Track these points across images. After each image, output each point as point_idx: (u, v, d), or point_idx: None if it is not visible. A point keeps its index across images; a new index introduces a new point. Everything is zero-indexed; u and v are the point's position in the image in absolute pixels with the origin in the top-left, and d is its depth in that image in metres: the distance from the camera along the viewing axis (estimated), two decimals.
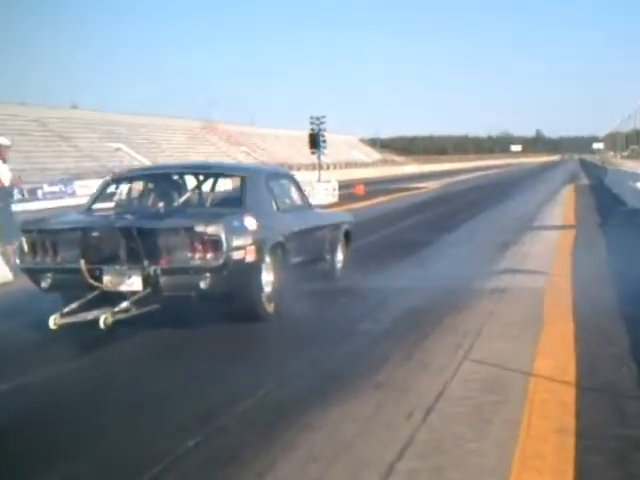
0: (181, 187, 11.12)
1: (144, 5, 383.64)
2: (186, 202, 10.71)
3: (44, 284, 9.46)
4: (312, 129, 48.13)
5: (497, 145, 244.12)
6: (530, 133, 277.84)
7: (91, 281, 9.18)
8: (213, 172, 11.99)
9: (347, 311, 10.81)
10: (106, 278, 9.21)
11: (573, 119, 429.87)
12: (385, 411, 6.52)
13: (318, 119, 47.84)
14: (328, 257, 12.77)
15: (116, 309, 8.93)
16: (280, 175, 12.59)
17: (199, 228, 9.03)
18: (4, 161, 15.12)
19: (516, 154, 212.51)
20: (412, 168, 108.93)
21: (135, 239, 9.10)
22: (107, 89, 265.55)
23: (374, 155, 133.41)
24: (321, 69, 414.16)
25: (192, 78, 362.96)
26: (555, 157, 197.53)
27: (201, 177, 11.44)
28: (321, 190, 36.47)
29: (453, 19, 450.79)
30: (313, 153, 49.73)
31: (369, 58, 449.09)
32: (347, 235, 13.68)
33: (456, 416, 6.33)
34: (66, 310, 9.14)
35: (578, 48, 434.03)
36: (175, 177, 11.32)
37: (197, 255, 9.05)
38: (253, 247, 9.53)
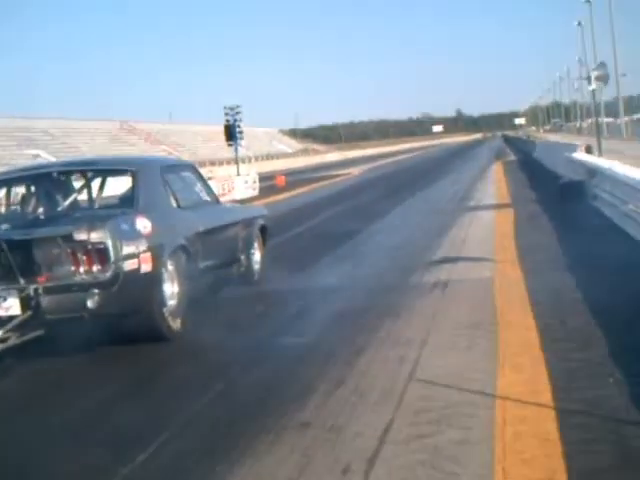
0: (65, 188, 9.58)
1: (55, 5, 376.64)
2: (70, 205, 9.22)
3: None
4: (227, 120, 46.08)
5: (418, 127, 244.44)
6: (451, 113, 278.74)
7: None
8: (99, 169, 10.20)
9: (265, 323, 9.25)
10: None
11: (493, 96, 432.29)
12: (313, 465, 4.95)
13: (233, 109, 45.78)
14: (243, 257, 11.13)
15: None
16: (179, 167, 10.89)
17: (79, 235, 7.63)
18: None
19: (438, 135, 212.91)
20: (334, 156, 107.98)
21: (6, 253, 7.71)
22: (21, 95, 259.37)
23: (295, 145, 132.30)
24: (237, 62, 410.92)
25: (108, 78, 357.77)
26: (477, 135, 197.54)
27: (88, 175, 9.86)
28: (240, 184, 34.96)
29: (369, 2, 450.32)
30: (230, 145, 47.67)
31: (284, 49, 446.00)
32: (263, 231, 12.15)
33: (409, 468, 4.78)
34: None
35: (493, 24, 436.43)
36: (58, 177, 9.64)
37: (81, 268, 7.70)
38: (149, 254, 8.11)
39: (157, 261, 8.24)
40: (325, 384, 6.49)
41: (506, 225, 15.99)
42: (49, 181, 9.57)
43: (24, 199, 9.61)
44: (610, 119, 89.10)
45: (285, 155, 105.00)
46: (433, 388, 6.17)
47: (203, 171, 13.19)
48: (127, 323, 8.20)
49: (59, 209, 9.11)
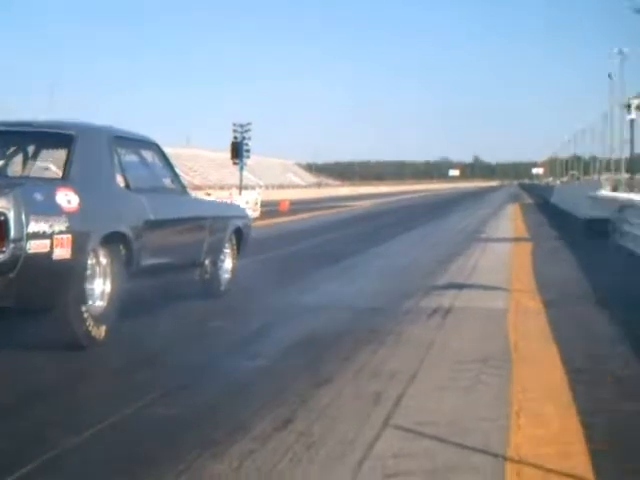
0: None
1: (71, 17, 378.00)
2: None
3: None
4: (235, 137, 44.09)
5: (435, 170, 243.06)
6: (468, 159, 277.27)
7: None
8: (32, 131, 7.92)
9: (216, 341, 7.30)
10: None
11: (511, 144, 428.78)
12: None
13: (242, 126, 43.85)
14: (208, 262, 9.18)
15: None
16: (138, 142, 8.64)
17: None
18: None
19: (454, 179, 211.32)
20: (346, 190, 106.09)
21: None
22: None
23: (309, 179, 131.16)
24: (259, 92, 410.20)
25: (127, 99, 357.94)
26: (493, 183, 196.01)
27: (17, 137, 7.96)
28: (240, 203, 32.87)
29: (390, 45, 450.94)
30: (235, 164, 45.58)
31: (308, 82, 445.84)
32: (238, 235, 10.17)
33: None
34: None
35: (515, 75, 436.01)
36: None
37: None
38: (68, 236, 6.22)
39: (80, 247, 6.39)
40: (264, 424, 4.55)
41: (523, 257, 14.19)
42: None
43: None
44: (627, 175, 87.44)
45: (297, 186, 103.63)
46: (416, 440, 4.26)
47: (200, 193, 11.10)
48: (35, 321, 6.44)
49: None
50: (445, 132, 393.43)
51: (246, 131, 44.42)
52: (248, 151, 44.97)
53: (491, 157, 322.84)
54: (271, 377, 5.75)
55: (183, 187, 9.17)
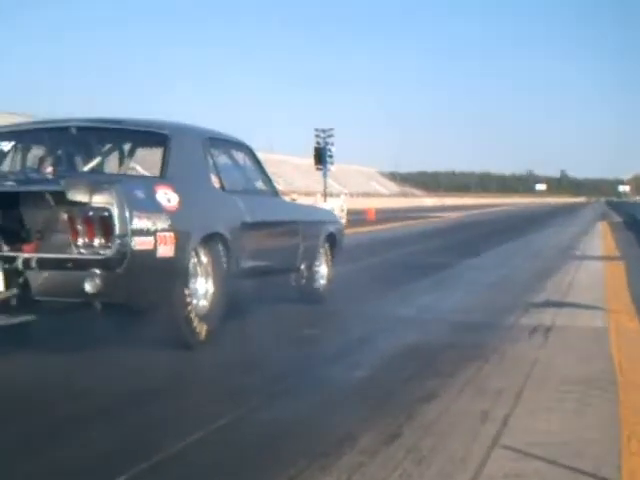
0: (85, 148, 7.88)
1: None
2: (91, 168, 7.50)
3: None
4: (317, 143, 43.90)
5: (520, 184, 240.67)
6: (554, 173, 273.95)
7: None
8: (128, 129, 7.86)
9: (314, 347, 7.35)
10: None
11: (598, 160, 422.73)
12: None
13: (325, 132, 43.67)
14: (304, 268, 9.29)
15: None
16: (230, 143, 8.60)
17: (77, 196, 5.74)
18: None
19: (540, 194, 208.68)
20: (432, 201, 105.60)
21: None
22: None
23: (393, 188, 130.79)
24: (341, 99, 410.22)
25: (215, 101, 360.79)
26: (581, 199, 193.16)
27: (112, 136, 7.91)
28: None
29: (478, 54, 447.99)
30: (319, 169, 45.45)
31: (394, 91, 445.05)
32: (332, 241, 10.13)
33: None
34: None
35: (606, 89, 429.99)
36: (76, 134, 7.58)
37: (80, 240, 5.88)
38: (171, 234, 6.25)
39: (183, 246, 6.43)
40: (371, 436, 4.53)
41: (617, 276, 13.81)
42: (66, 137, 7.65)
43: (35, 155, 7.93)
44: None
45: (380, 195, 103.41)
46: (527, 462, 4.18)
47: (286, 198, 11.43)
48: (141, 319, 6.61)
49: (77, 169, 7.53)
50: (531, 145, 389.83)
51: (329, 136, 44.23)
52: (331, 157, 44.83)
53: (577, 172, 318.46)
54: (374, 389, 5.74)
55: (275, 190, 9.10)
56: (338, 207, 33.61)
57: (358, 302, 9.60)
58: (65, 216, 5.96)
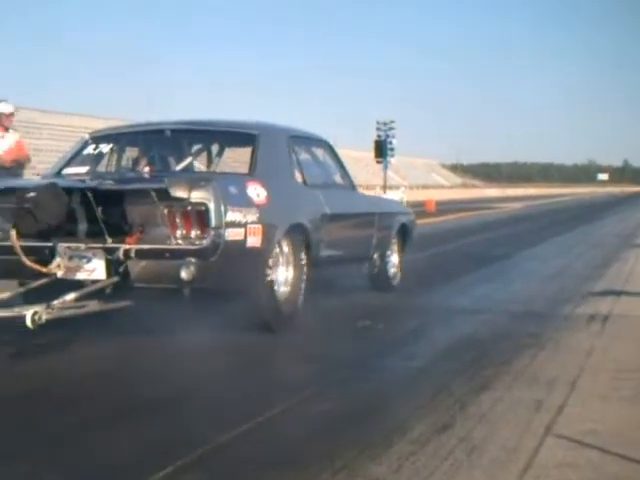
0: (178, 148, 8.59)
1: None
2: (185, 167, 8.18)
3: None
4: (378, 136, 43.77)
5: (583, 174, 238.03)
6: (617, 162, 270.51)
7: (30, 263, 6.45)
8: (218, 130, 8.65)
9: (373, 336, 7.42)
10: (55, 260, 6.57)
11: None
12: None
13: (386, 124, 43.52)
14: (376, 257, 9.70)
15: (56, 302, 6.09)
16: (311, 140, 9.21)
17: (177, 191, 6.30)
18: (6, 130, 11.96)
19: (602, 183, 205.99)
20: (493, 192, 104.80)
21: (91, 205, 6.57)
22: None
23: (454, 179, 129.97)
24: (406, 92, 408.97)
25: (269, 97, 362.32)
26: None
27: (203, 136, 8.68)
28: None
29: (533, 44, 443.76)
30: (379, 162, 45.29)
31: (454, 83, 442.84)
32: (404, 232, 10.60)
33: None
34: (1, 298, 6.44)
35: None
36: (170, 136, 8.30)
37: (177, 232, 6.45)
38: (259, 226, 6.82)
39: (269, 237, 6.99)
40: (423, 427, 4.52)
41: None
42: (161, 139, 8.43)
43: (132, 155, 8.73)
44: None
45: (441, 187, 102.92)
46: (580, 451, 4.13)
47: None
48: (229, 304, 7.08)
49: (171, 168, 8.26)
50: (593, 134, 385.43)
51: (390, 129, 44.04)
52: (392, 149, 44.61)
53: None
54: (428, 379, 5.74)
55: (352, 183, 9.62)
56: (397, 199, 33.64)
57: (425, 290, 10.05)
58: (165, 211, 6.43)
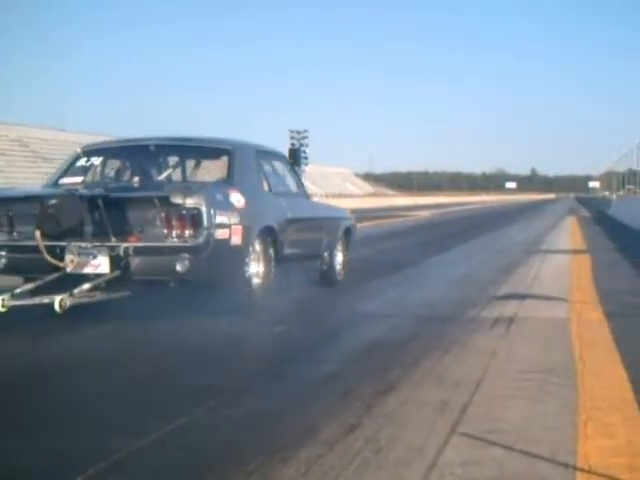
0: (161, 161, 9.94)
1: (163, 26, 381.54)
2: (167, 177, 9.55)
3: None
4: (292, 144, 44.22)
5: (491, 182, 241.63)
6: (524, 171, 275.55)
7: (51, 259, 7.85)
8: (196, 145, 10.09)
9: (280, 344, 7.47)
10: (68, 257, 7.90)
11: (568, 157, 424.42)
12: None
13: (299, 133, 43.94)
14: (326, 255, 11.10)
15: (76, 290, 7.44)
16: (273, 155, 10.67)
17: (176, 199, 7.68)
18: None
19: (511, 191, 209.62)
20: (404, 200, 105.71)
21: (100, 211, 7.96)
22: (96, 111, 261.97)
23: (367, 189, 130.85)
24: (316, 102, 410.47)
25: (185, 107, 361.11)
26: (551, 195, 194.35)
27: (183, 151, 10.04)
28: None
29: (448, 55, 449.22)
30: None
31: (365, 92, 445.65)
32: (347, 234, 12.02)
33: None
34: (19, 291, 7.76)
35: (572, 88, 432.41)
36: (154, 150, 9.69)
37: (173, 232, 7.84)
38: (240, 227, 8.20)
39: (246, 236, 8.32)
40: (331, 429, 4.58)
41: (583, 269, 13.96)
42: (146, 153, 9.63)
43: (120, 167, 9.74)
44: None
45: (354, 196, 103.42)
46: (485, 449, 4.24)
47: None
48: (211, 293, 8.35)
49: (155, 178, 9.38)
50: (501, 144, 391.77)
51: (303, 138, 44.46)
52: (306, 158, 44.99)
53: (548, 170, 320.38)
54: (337, 382, 5.80)
55: (306, 192, 11.12)
56: None
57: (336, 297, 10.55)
58: (163, 214, 7.79)
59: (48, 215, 7.90)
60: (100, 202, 7.93)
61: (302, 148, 44.32)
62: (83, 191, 8.28)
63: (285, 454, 4.11)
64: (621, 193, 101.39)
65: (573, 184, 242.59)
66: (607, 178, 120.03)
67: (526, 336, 7.48)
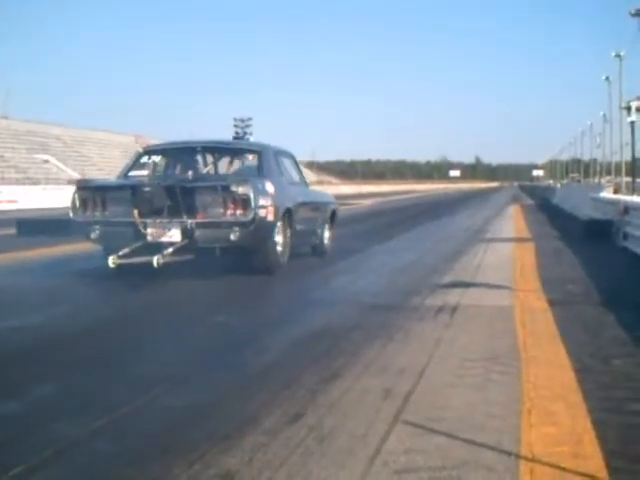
0: (204, 159, 12.98)
1: (92, 14, 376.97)
2: (209, 171, 12.62)
3: (93, 235, 10.80)
4: (237, 133, 44.03)
5: (435, 171, 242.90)
6: (469, 160, 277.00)
7: (143, 231, 10.57)
8: (233, 147, 13.42)
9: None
10: (150, 230, 10.64)
11: (512, 146, 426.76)
12: None
13: (243, 121, 43.76)
14: (319, 231, 13.98)
15: (165, 252, 10.25)
16: (285, 154, 13.54)
17: (233, 187, 10.40)
18: None
19: (455, 180, 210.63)
20: (349, 189, 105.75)
21: (177, 196, 10.50)
22: (41, 101, 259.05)
23: (310, 177, 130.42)
24: (259, 89, 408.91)
25: (128, 93, 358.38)
26: (494, 184, 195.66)
27: (222, 151, 13.06)
28: None
29: (392, 43, 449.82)
30: None
31: (307, 80, 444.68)
32: (333, 215, 14.89)
33: None
34: (121, 253, 10.35)
35: (516, 77, 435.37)
36: (200, 150, 12.93)
37: (229, 211, 10.46)
38: (272, 208, 10.82)
39: (277, 215, 11.01)
40: (275, 418, 4.54)
41: (527, 257, 14.02)
42: (193, 152, 12.85)
43: (176, 163, 12.82)
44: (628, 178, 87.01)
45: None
46: (427, 437, 4.23)
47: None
48: (252, 257, 11.05)
49: (201, 172, 12.35)
50: (446, 132, 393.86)
51: (247, 126, 44.26)
52: None
53: (492, 158, 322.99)
54: (280, 372, 5.76)
55: (306, 182, 14.31)
56: None
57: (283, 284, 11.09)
58: (221, 199, 10.42)
59: (143, 199, 10.55)
60: (177, 189, 10.51)
61: (246, 136, 44.02)
62: (165, 182, 10.94)
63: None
64: (565, 182, 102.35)
65: (517, 172, 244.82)
66: (551, 166, 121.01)
67: (470, 324, 7.49)
